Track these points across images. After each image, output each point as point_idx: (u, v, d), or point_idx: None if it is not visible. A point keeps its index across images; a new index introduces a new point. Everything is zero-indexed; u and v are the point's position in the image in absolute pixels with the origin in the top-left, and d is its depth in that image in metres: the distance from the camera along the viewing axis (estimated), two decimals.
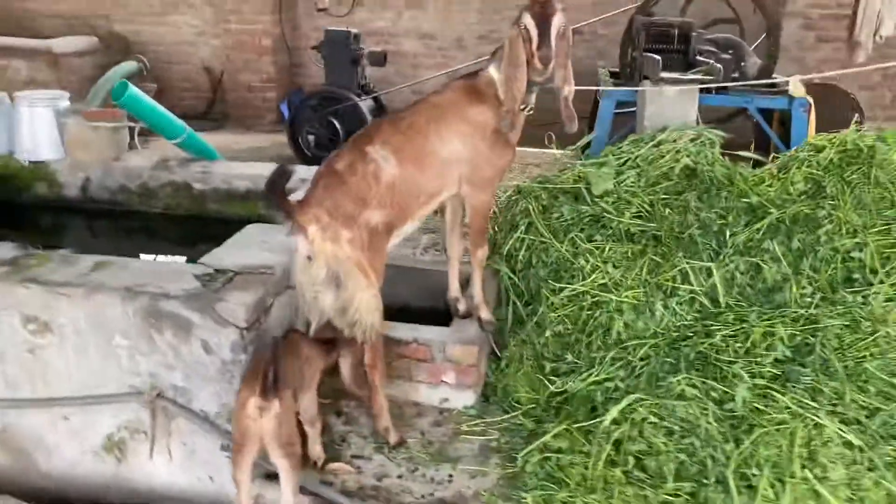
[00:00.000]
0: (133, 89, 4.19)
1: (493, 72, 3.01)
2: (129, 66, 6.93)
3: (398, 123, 2.89)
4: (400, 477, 2.82)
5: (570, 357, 3.22)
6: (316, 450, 2.78)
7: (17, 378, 2.75)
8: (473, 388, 3.21)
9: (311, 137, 6.30)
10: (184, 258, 3.43)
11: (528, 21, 2.87)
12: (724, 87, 4.75)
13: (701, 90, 4.45)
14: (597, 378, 3.03)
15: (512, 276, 3.58)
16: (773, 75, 5.06)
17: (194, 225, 4.15)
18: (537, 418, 3.06)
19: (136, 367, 2.66)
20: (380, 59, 6.47)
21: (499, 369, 3.35)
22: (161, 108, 4.39)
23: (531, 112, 3.07)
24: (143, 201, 4.24)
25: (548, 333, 3.34)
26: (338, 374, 2.89)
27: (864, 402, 2.75)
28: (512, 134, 3.07)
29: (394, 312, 3.17)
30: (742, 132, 5.34)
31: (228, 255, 2.97)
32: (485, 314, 3.29)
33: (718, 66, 4.42)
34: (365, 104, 6.37)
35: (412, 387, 3.23)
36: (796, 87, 3.69)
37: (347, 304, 2.66)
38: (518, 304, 3.53)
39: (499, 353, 3.41)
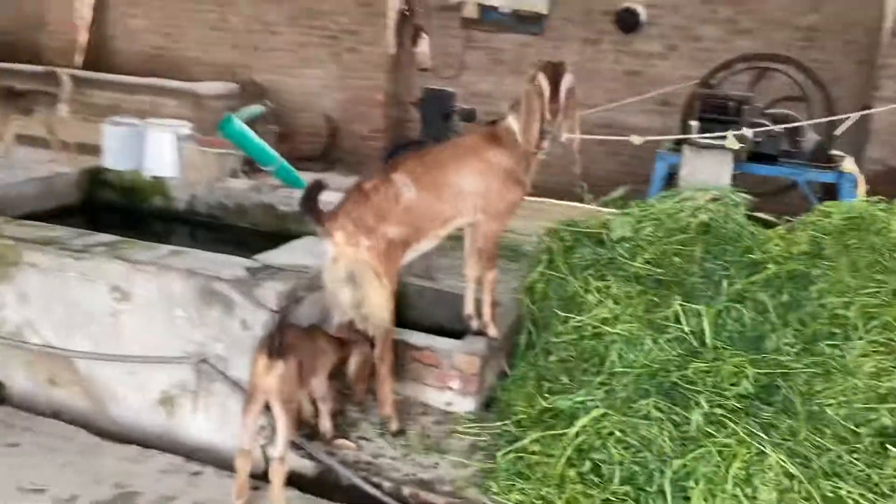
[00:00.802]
0: (236, 123, 4.98)
1: (511, 121, 3.53)
2: (256, 109, 7.93)
3: (423, 157, 3.45)
4: (393, 458, 3.26)
5: (565, 379, 3.58)
6: (325, 425, 3.28)
7: (100, 336, 3.44)
8: (475, 396, 3.63)
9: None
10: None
11: (542, 79, 3.41)
12: (776, 160, 5.00)
13: (753, 161, 4.75)
14: (581, 398, 3.37)
15: (531, 305, 3.98)
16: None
17: (275, 239, 4.81)
18: (525, 428, 3.42)
19: (190, 335, 3.28)
20: (470, 115, 7.11)
21: (505, 386, 3.75)
22: (258, 140, 5.16)
23: (545, 156, 3.56)
24: (236, 217, 4.97)
25: (552, 358, 3.71)
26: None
27: (817, 441, 2.96)
28: (526, 174, 3.55)
29: (430, 331, 3.74)
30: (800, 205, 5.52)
31: (278, 256, 3.58)
32: (491, 331, 3.72)
33: (749, 133, 4.70)
34: None
35: (422, 389, 3.69)
36: (731, 143, 3.96)
37: (361, 300, 3.20)
38: (533, 330, 3.92)
39: (508, 372, 3.81)
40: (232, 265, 3.37)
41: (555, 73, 3.41)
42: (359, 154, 9.11)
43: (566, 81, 3.39)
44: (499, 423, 3.52)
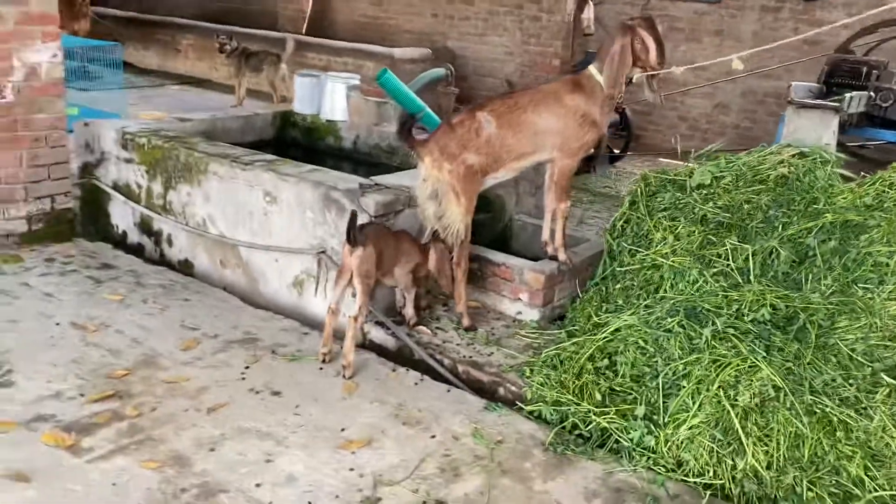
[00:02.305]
0: (389, 75, 5.82)
1: (592, 70, 4.05)
2: (438, 71, 8.77)
3: (507, 99, 4.07)
4: (458, 345, 3.99)
5: (621, 302, 4.07)
6: (409, 312, 4.08)
7: (257, 230, 4.48)
8: (541, 308, 4.23)
9: None
10: None
11: (646, 35, 3.99)
12: None
13: (879, 126, 4.80)
14: (626, 316, 3.86)
15: (611, 241, 4.47)
16: None
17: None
18: (575, 336, 3.98)
19: (315, 232, 4.21)
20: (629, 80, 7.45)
21: (574, 306, 4.30)
22: (409, 92, 5.97)
23: (621, 99, 4.15)
24: (387, 156, 5.89)
25: (617, 286, 4.22)
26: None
27: (819, 366, 3.24)
28: (602, 116, 4.07)
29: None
30: None
31: (391, 178, 4.40)
32: (561, 256, 4.28)
33: (855, 95, 4.72)
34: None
35: (499, 299, 4.36)
36: (736, 64, 4.04)
37: (442, 213, 3.93)
38: (608, 262, 4.42)
39: (580, 294, 4.36)
40: (349, 181, 4.25)
41: (653, 30, 3.95)
42: None
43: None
44: (554, 331, 4.11)
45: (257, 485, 2.76)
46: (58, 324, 3.81)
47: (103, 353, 3.57)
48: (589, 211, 6.48)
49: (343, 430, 3.15)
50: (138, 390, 3.30)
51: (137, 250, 5.11)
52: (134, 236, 5.18)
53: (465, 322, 4.12)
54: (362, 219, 3.87)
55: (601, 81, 4.04)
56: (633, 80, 4.09)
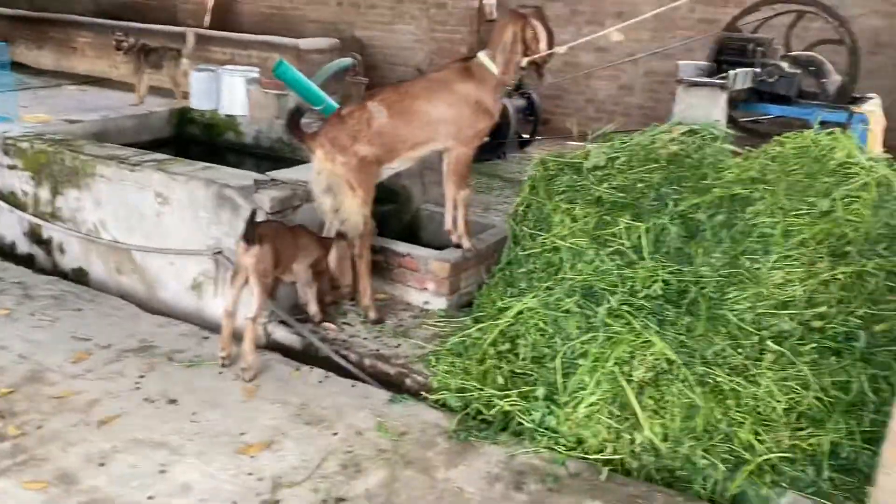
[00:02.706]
0: (286, 66, 5.72)
1: (483, 57, 4.04)
2: (345, 61, 8.67)
3: (398, 88, 4.04)
4: (365, 339, 3.95)
5: (524, 285, 4.10)
6: (312, 308, 4.02)
7: (150, 233, 4.33)
8: (447, 297, 4.24)
9: None
10: None
11: (538, 25, 4.02)
12: (789, 100, 5.16)
13: (768, 101, 4.96)
14: (527, 299, 3.89)
15: (513, 226, 4.50)
16: None
17: None
18: (481, 322, 3.99)
19: (210, 232, 4.09)
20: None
21: (481, 292, 4.32)
22: (308, 83, 5.88)
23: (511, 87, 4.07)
24: (290, 151, 5.78)
25: (521, 270, 4.24)
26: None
27: (708, 338, 3.34)
28: (495, 104, 4.07)
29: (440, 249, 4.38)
30: None
31: (287, 173, 4.32)
32: (465, 243, 4.29)
33: (741, 72, 4.88)
34: (513, 101, 7.48)
35: (405, 290, 4.34)
36: (616, 36, 4.21)
37: (338, 206, 3.88)
38: (511, 247, 4.44)
39: (486, 280, 4.38)
40: (243, 177, 4.15)
41: (545, 21, 4.00)
42: None
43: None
44: (461, 318, 4.11)
45: (149, 497, 2.67)
46: None
47: None
48: (500, 196, 6.52)
49: (242, 434, 3.08)
50: (22, 408, 3.15)
51: (28, 261, 4.88)
52: (24, 246, 4.94)
53: (372, 315, 4.09)
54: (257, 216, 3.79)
55: (491, 68, 4.04)
56: (524, 67, 4.10)
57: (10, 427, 3.00)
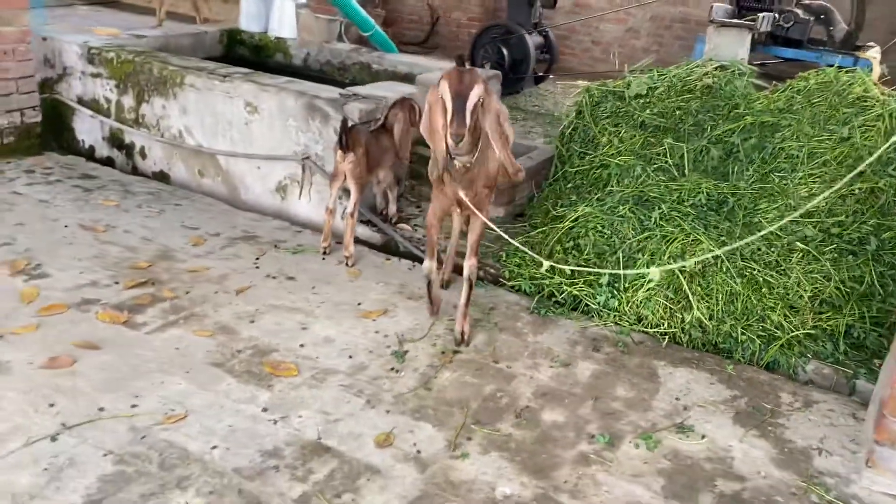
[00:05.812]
0: None
1: None
2: None
3: None
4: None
5: (574, 198, 4.66)
6: (392, 209, 4.53)
7: (238, 139, 4.77)
8: (505, 206, 4.78)
9: (484, 60, 7.99)
10: None
11: (444, 90, 2.76)
12: (801, 44, 5.73)
13: (781, 45, 5.52)
14: (582, 207, 4.46)
15: (560, 146, 5.04)
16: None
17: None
18: (539, 227, 4.55)
19: (299, 139, 4.55)
20: (550, 2, 7.97)
21: (532, 204, 4.87)
22: (359, 9, 6.27)
23: (470, 164, 3.04)
24: (339, 73, 6.19)
25: (569, 185, 4.80)
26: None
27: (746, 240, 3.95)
28: (448, 185, 3.21)
29: None
30: None
31: (364, 89, 4.77)
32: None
33: (766, 16, 5.43)
34: (532, 38, 7.93)
35: None
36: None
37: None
38: (558, 165, 4.99)
39: (535, 195, 4.93)
40: (329, 90, 4.59)
41: (459, 84, 2.76)
42: (457, 40, 10.11)
43: (474, 95, 2.77)
44: (516, 225, 4.67)
45: (301, 345, 3.22)
46: (66, 226, 4.04)
47: (120, 249, 3.86)
48: (525, 127, 7.02)
49: (359, 304, 3.62)
50: (166, 278, 3.64)
51: (107, 163, 5.27)
52: (103, 150, 5.33)
53: None
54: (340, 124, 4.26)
55: None
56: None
57: (165, 291, 3.50)
